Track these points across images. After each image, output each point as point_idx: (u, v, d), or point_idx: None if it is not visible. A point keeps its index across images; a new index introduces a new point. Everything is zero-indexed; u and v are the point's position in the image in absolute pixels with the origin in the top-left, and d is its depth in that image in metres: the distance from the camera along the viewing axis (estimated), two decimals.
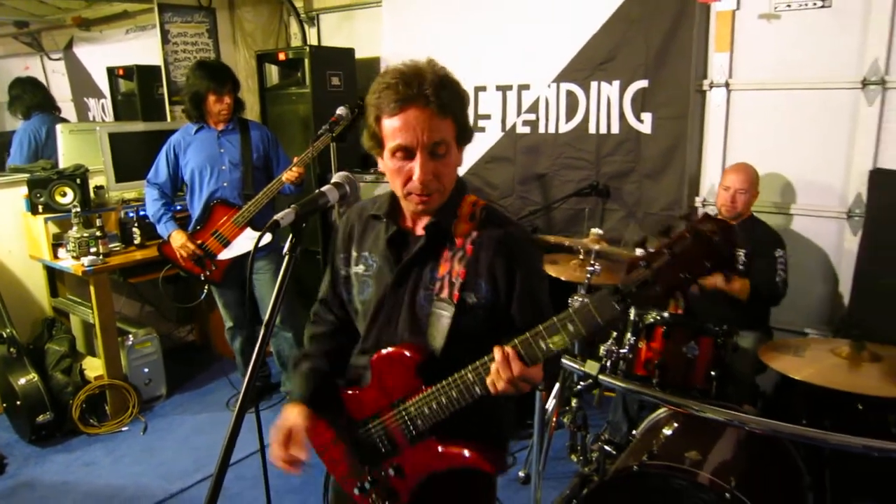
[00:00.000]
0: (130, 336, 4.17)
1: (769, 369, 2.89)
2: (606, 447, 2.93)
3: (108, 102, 5.98)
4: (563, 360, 2.45)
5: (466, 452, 1.46)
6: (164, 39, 4.80)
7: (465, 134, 1.47)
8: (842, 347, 2.27)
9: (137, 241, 4.14)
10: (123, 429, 3.90)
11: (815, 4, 3.27)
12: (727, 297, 3.00)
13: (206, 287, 3.83)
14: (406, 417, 1.50)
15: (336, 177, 1.48)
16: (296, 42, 5.22)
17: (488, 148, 4.36)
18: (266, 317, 1.32)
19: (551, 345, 1.27)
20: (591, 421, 3.30)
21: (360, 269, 1.60)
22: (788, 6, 3.35)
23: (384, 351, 1.51)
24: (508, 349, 1.30)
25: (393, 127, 1.38)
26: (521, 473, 3.30)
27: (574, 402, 3.17)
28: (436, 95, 1.38)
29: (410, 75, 1.40)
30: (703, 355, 2.39)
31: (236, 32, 5.11)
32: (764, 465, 2.32)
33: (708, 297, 2.90)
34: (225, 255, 3.62)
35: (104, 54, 5.94)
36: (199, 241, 3.58)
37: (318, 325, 1.76)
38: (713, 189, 3.61)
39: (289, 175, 3.41)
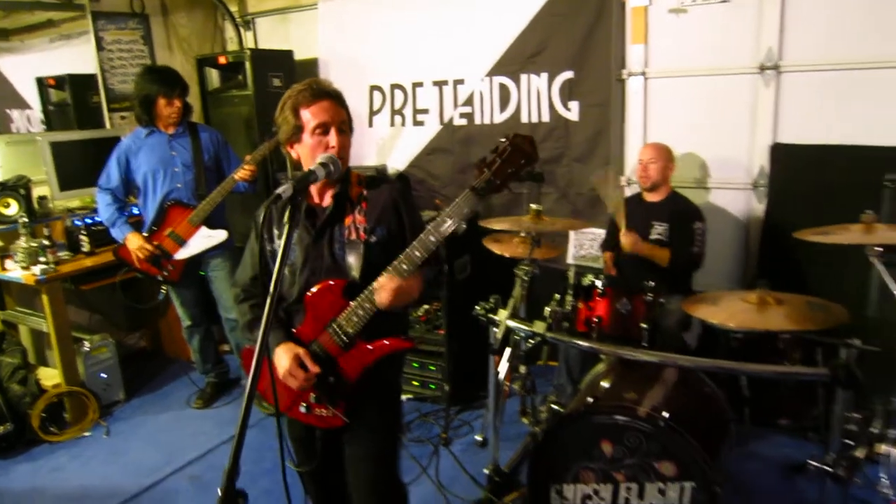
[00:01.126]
0: (86, 343, 4.20)
1: (693, 327, 3.28)
2: (554, 407, 3.22)
3: (34, 113, 5.89)
4: (514, 324, 2.74)
5: (387, 342, 1.98)
6: (99, 47, 4.82)
7: (351, 125, 2.03)
8: (751, 295, 2.61)
9: (86, 248, 4.16)
10: (86, 434, 3.92)
11: None
12: (651, 265, 3.34)
13: (164, 288, 3.91)
14: (338, 330, 1.95)
15: (321, 157, 1.73)
16: (232, 46, 5.32)
17: (428, 140, 4.62)
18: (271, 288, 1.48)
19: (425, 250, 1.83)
20: (538, 387, 3.59)
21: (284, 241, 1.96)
22: (694, 1, 3.72)
23: (314, 289, 1.97)
24: (381, 278, 1.85)
25: (312, 112, 1.91)
26: (478, 438, 3.56)
27: (523, 369, 3.44)
28: (336, 93, 1.98)
29: (314, 81, 1.97)
30: (636, 311, 2.70)
31: (171, 38, 5.16)
32: (692, 401, 2.65)
33: (635, 264, 3.24)
34: (181, 254, 3.73)
35: (28, 64, 5.84)
36: (155, 243, 3.68)
37: (252, 297, 2.19)
38: (636, 168, 3.96)
39: (242, 174, 3.56)
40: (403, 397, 3.98)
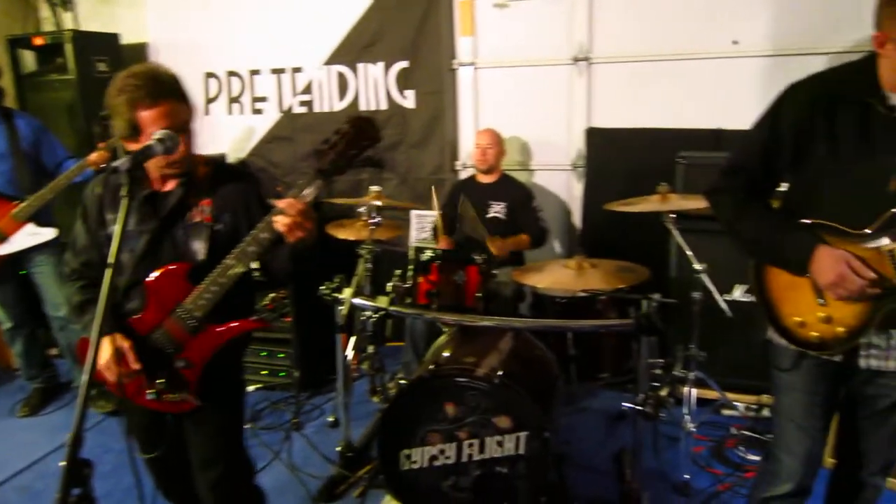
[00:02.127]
0: None
1: (525, 297, 3.57)
2: (402, 383, 3.37)
3: None
4: (359, 301, 2.84)
5: (236, 323, 1.99)
6: None
7: (195, 116, 1.95)
8: (571, 262, 2.93)
9: None
10: None
11: None
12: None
13: None
14: (185, 315, 1.92)
15: (159, 133, 1.71)
16: (48, 27, 4.93)
17: (268, 129, 4.59)
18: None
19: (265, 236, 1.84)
20: (386, 367, 3.72)
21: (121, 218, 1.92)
22: None
23: (155, 273, 1.92)
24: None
25: (152, 118, 1.80)
26: (329, 419, 3.64)
27: (371, 349, 3.56)
28: (177, 91, 1.86)
29: (153, 76, 1.82)
30: (471, 281, 2.90)
31: None
32: (523, 362, 2.90)
33: (469, 239, 3.48)
34: (1, 251, 3.45)
35: None
36: None
37: (83, 278, 2.09)
38: (470, 152, 4.21)
39: (97, 157, 3.39)
40: (252, 388, 3.99)
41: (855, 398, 1.93)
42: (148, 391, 2.00)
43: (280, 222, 1.76)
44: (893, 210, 1.63)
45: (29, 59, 4.34)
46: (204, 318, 1.93)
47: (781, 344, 1.91)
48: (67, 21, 4.90)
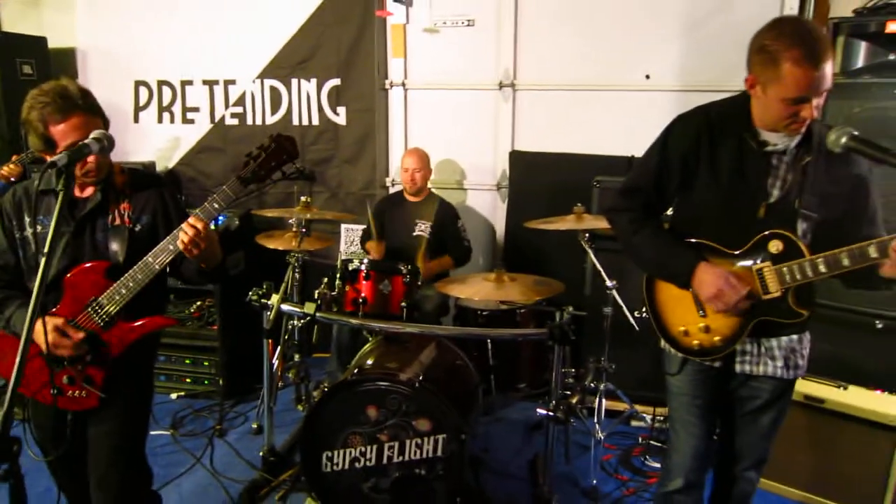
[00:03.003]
0: None
1: (449, 311, 3.72)
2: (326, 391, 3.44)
3: None
4: (287, 307, 2.92)
5: (143, 322, 2.08)
6: None
7: (107, 124, 2.04)
8: (491, 275, 3.10)
9: None
10: None
11: (463, 23, 4.19)
12: (410, 253, 3.72)
13: None
14: (99, 309, 2.02)
15: (96, 133, 1.79)
16: None
17: (198, 139, 4.61)
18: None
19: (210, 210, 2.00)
20: (312, 376, 3.78)
21: (38, 229, 2.07)
22: (444, 23, 4.22)
23: (74, 270, 2.02)
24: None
25: (63, 131, 1.91)
26: (254, 426, 3.67)
27: (297, 357, 3.62)
28: (85, 103, 1.95)
29: (62, 92, 1.92)
30: (396, 290, 3.03)
31: None
32: (445, 369, 3.05)
33: (396, 250, 3.60)
34: None
35: None
36: None
37: None
38: (400, 173, 4.35)
39: (9, 170, 3.34)
40: (174, 395, 3.97)
41: (732, 400, 2.15)
42: (52, 388, 2.02)
43: (180, 238, 1.92)
44: (763, 234, 1.86)
45: None
46: (116, 315, 2.03)
47: (670, 352, 2.13)
48: None
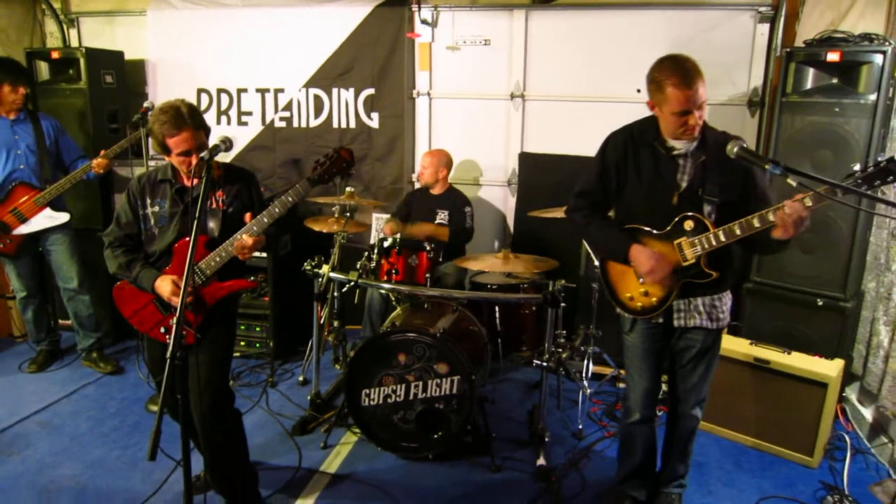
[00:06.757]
0: None
1: (465, 286, 4.41)
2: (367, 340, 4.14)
3: None
4: (335, 275, 3.63)
5: (231, 283, 2.75)
6: None
7: (208, 133, 2.66)
8: (499, 254, 3.80)
9: None
10: None
11: (481, 42, 4.88)
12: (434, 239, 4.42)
13: None
14: (198, 272, 2.66)
15: (220, 136, 2.49)
16: (52, 41, 5.55)
17: (251, 139, 5.33)
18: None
19: (274, 214, 2.62)
20: (347, 339, 4.49)
21: (156, 209, 2.73)
22: (464, 42, 4.91)
23: (182, 241, 2.66)
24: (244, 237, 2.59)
25: (175, 143, 2.54)
26: (300, 379, 4.40)
27: (336, 323, 4.32)
28: (194, 122, 2.56)
29: (176, 112, 2.53)
30: (421, 264, 3.73)
31: None
32: (461, 328, 3.73)
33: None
34: (22, 230, 4.11)
35: None
36: None
37: (122, 247, 2.80)
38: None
39: (98, 164, 4.05)
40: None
41: (674, 354, 2.77)
42: (161, 327, 2.78)
43: (236, 247, 2.58)
44: (676, 217, 2.49)
45: (43, 69, 4.94)
46: (211, 276, 2.68)
47: (623, 315, 2.77)
48: (73, 37, 5.53)
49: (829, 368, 3.44)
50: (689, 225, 2.48)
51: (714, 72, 4.46)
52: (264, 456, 3.46)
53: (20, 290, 4.37)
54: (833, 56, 3.59)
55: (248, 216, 2.64)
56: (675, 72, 2.34)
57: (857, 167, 2.11)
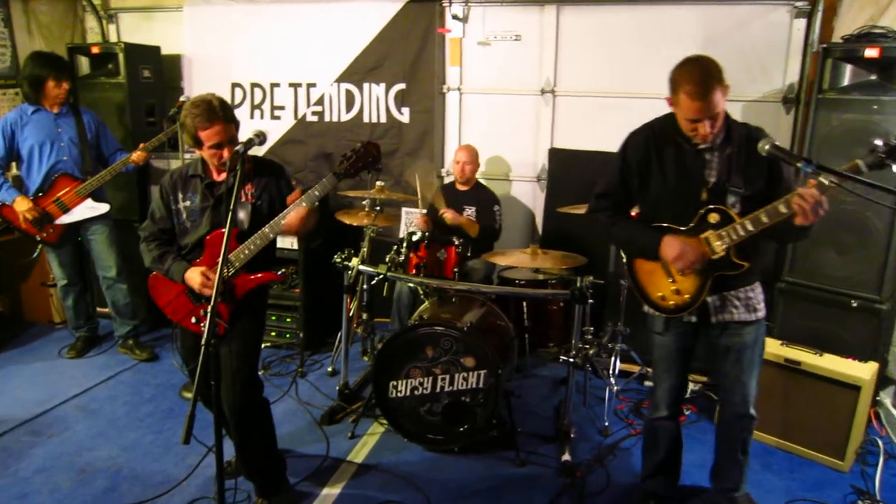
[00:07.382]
0: None
1: (493, 282, 4.43)
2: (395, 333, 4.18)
3: None
4: (364, 268, 3.68)
5: (260, 275, 2.79)
6: None
7: (238, 127, 2.72)
8: (527, 250, 3.81)
9: None
10: None
11: (511, 38, 4.88)
12: (459, 229, 4.43)
13: (39, 247, 4.37)
14: (228, 263, 2.69)
15: (254, 131, 2.53)
16: (92, 36, 5.70)
17: (283, 133, 5.41)
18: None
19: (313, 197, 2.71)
20: (376, 331, 4.54)
21: (187, 203, 2.79)
22: (496, 38, 4.92)
23: (213, 233, 2.72)
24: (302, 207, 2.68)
25: (207, 136, 2.59)
26: (328, 370, 4.47)
27: (365, 316, 4.38)
28: (226, 115, 2.62)
29: (208, 105, 2.58)
30: (449, 258, 3.76)
31: (31, 23, 5.44)
32: (488, 322, 3.75)
33: (450, 229, 4.32)
34: (63, 220, 4.23)
35: None
36: (41, 207, 4.14)
37: (156, 241, 2.88)
38: (453, 165, 5.06)
39: (137, 157, 4.17)
40: (263, 345, 4.77)
41: (717, 351, 2.69)
42: (192, 317, 2.84)
43: (286, 223, 2.66)
44: (701, 211, 2.45)
45: (84, 64, 5.08)
46: (240, 268, 2.72)
47: (654, 314, 2.74)
48: (111, 32, 5.67)
49: (862, 371, 3.38)
50: (714, 218, 2.46)
51: (748, 68, 4.42)
52: (293, 444, 3.53)
53: (61, 278, 4.50)
54: (872, 52, 3.52)
55: (296, 193, 2.74)
56: (690, 79, 2.31)
57: (879, 142, 2.07)
